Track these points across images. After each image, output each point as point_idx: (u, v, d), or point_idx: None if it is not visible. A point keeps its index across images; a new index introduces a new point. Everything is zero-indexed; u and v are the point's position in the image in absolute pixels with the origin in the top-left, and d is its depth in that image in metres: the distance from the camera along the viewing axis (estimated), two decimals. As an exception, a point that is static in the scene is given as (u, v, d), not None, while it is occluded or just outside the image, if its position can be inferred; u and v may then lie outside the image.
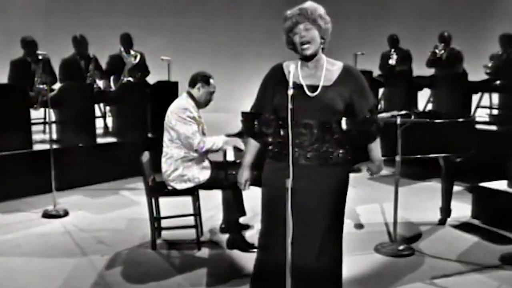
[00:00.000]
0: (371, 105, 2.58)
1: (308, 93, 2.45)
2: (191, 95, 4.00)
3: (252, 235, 4.14)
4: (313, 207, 2.47)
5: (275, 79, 2.59)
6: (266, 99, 2.62)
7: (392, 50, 8.29)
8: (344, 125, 2.57)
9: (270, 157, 2.60)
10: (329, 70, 2.52)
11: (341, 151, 2.52)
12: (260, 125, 2.66)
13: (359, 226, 4.64)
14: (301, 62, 2.54)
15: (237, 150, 4.00)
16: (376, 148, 2.68)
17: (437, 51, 7.74)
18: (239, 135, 4.09)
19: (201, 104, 4.02)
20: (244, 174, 2.81)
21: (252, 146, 2.77)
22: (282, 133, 2.54)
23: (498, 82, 7.17)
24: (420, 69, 8.02)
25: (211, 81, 4.02)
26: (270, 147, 2.61)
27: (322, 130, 2.47)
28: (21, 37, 6.60)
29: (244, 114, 2.91)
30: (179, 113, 3.88)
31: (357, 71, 2.62)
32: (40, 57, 6.37)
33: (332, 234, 2.54)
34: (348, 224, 4.46)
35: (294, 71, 2.32)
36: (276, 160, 2.55)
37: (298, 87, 2.43)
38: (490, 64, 7.28)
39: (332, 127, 2.50)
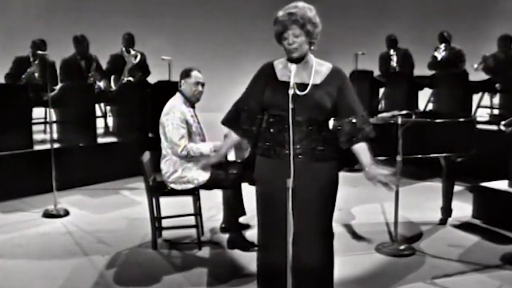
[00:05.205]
0: (359, 107, 2.58)
1: (297, 92, 2.46)
2: (181, 93, 4.02)
3: (252, 235, 4.14)
4: (304, 203, 2.47)
5: (265, 76, 2.62)
6: (254, 95, 2.64)
7: (391, 50, 8.27)
8: (330, 126, 2.59)
9: (260, 154, 2.62)
10: (318, 70, 2.57)
11: (329, 148, 2.55)
12: (245, 119, 2.65)
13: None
14: (290, 63, 2.55)
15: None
16: (365, 151, 2.55)
17: (436, 53, 7.74)
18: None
19: (191, 98, 4.00)
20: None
21: (232, 139, 2.77)
22: (272, 130, 2.55)
23: (497, 85, 7.19)
24: (421, 69, 8.01)
25: (192, 73, 4.00)
26: (259, 144, 2.62)
27: (311, 127, 2.51)
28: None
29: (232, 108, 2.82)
30: (170, 114, 3.89)
31: (344, 73, 2.66)
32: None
33: (322, 229, 2.57)
34: (349, 224, 4.51)
35: (294, 71, 2.34)
36: (267, 157, 2.57)
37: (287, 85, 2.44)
38: (476, 65, 7.25)
39: (320, 125, 2.54)
